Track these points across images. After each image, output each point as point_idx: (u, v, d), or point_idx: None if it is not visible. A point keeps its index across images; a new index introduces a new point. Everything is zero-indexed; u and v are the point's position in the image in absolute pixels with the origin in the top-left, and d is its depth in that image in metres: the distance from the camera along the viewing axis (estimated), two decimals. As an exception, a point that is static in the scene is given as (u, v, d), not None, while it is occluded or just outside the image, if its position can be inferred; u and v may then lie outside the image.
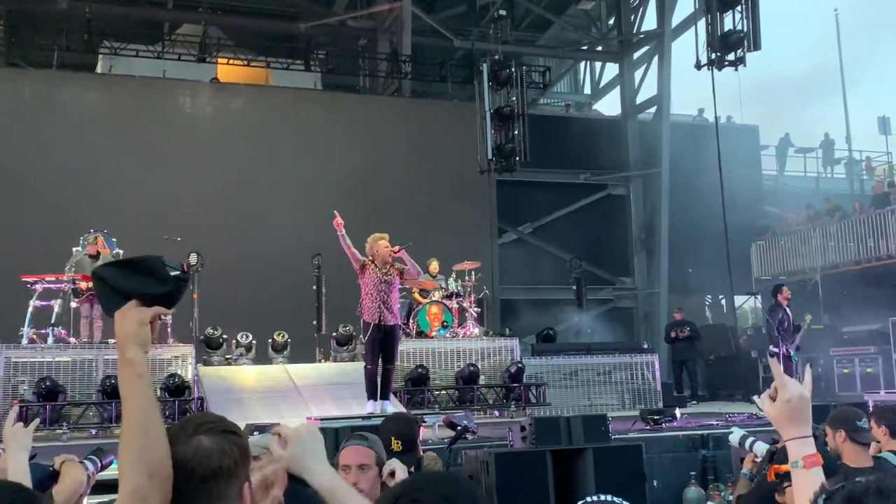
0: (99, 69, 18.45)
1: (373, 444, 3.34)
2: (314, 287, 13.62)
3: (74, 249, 12.58)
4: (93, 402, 10.89)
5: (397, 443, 4.08)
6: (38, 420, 3.24)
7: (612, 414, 9.67)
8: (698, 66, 15.25)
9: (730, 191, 15.89)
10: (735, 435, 4.67)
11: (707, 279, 19.86)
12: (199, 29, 18.35)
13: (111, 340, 11.56)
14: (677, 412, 10.16)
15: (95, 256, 12.22)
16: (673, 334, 15.74)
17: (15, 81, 17.07)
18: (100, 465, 2.74)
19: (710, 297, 23.36)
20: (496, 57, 17.47)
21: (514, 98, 17.38)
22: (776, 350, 12.12)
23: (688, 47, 15.96)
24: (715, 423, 9.94)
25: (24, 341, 11.23)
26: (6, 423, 2.61)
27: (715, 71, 15.09)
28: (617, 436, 7.73)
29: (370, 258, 9.28)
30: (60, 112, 16.51)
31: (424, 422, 7.91)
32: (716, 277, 18.02)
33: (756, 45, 14.80)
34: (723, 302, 22.75)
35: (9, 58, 18.23)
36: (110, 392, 10.86)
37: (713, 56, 15.01)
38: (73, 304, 11.98)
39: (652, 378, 13.93)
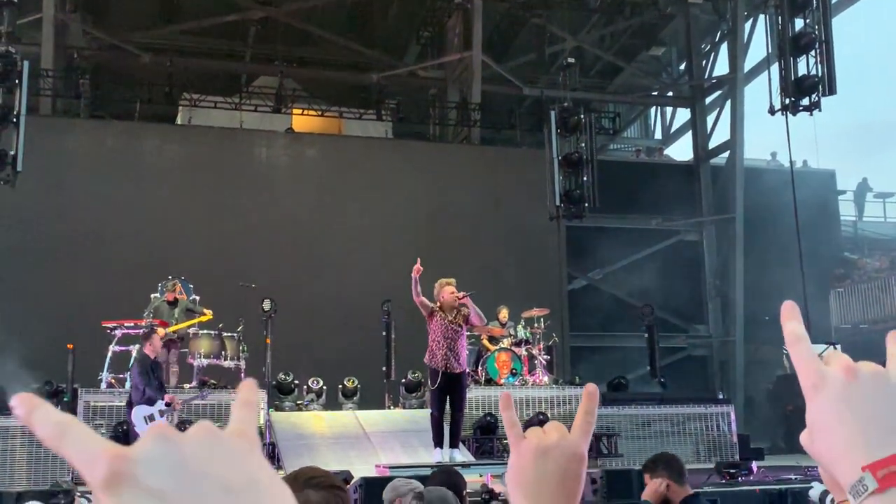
0: (179, 120, 19.10)
1: None
2: (384, 333, 13.70)
3: (153, 296, 12.93)
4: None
5: None
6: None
7: (687, 467, 9.45)
8: (772, 112, 15.07)
9: (807, 237, 15.55)
10: (816, 490, 4.54)
11: (784, 327, 19.35)
12: (275, 81, 18.88)
13: (187, 385, 11.82)
14: (754, 465, 9.89)
15: (173, 303, 12.54)
16: None
17: (98, 133, 17.76)
18: None
19: (787, 345, 22.75)
20: (565, 104, 17.54)
21: (584, 144, 17.38)
22: None
23: (761, 91, 15.83)
24: (794, 476, 9.62)
25: (103, 385, 11.54)
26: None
27: (789, 115, 14.89)
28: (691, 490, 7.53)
29: (438, 304, 9.26)
30: (141, 162, 17.10)
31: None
32: (793, 326, 17.55)
33: (831, 90, 14.57)
34: (801, 351, 22.11)
35: (92, 110, 19.00)
36: (185, 436, 11.07)
37: (787, 101, 14.82)
38: (151, 350, 12.29)
39: (728, 429, 13.59)
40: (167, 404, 9.64)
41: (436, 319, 9.18)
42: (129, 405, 9.68)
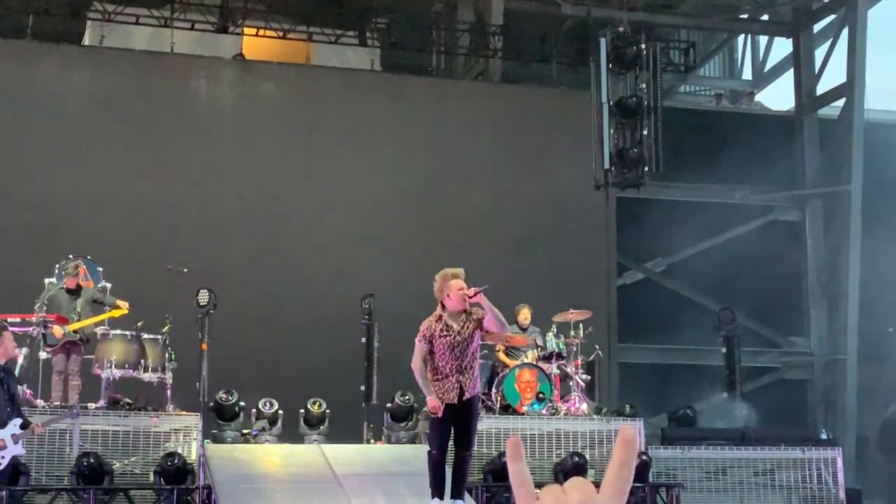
0: (87, 41, 19.02)
1: None
2: (363, 339, 13.70)
3: (48, 281, 12.91)
4: (64, 488, 11.11)
5: None
6: None
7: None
8: (905, 45, 15.01)
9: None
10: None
11: (914, 343, 19.43)
12: (220, -12, 18.81)
13: (92, 404, 11.82)
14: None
15: (75, 291, 12.50)
16: None
17: (-23, 56, 17.72)
18: None
19: (918, 368, 22.81)
20: (620, 29, 17.46)
21: (644, 85, 17.32)
22: None
23: (891, 15, 15.72)
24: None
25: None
26: None
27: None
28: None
29: (439, 309, 9.05)
30: (34, 97, 17.02)
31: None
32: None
33: None
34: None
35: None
36: (88, 475, 11.08)
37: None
38: (44, 355, 12.27)
39: (832, 481, 13.63)
40: (23, 427, 9.59)
41: (437, 339, 8.95)
42: None
